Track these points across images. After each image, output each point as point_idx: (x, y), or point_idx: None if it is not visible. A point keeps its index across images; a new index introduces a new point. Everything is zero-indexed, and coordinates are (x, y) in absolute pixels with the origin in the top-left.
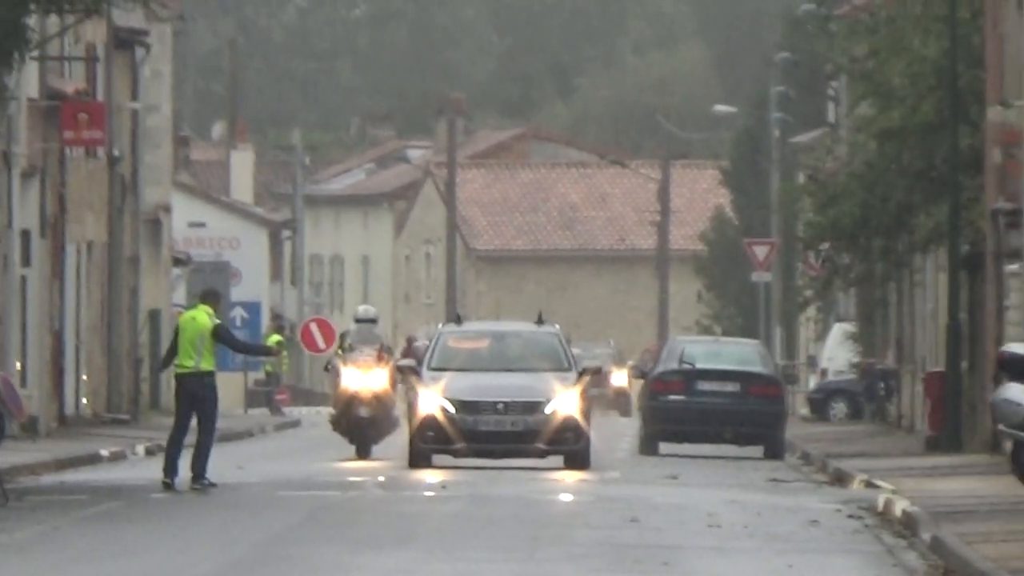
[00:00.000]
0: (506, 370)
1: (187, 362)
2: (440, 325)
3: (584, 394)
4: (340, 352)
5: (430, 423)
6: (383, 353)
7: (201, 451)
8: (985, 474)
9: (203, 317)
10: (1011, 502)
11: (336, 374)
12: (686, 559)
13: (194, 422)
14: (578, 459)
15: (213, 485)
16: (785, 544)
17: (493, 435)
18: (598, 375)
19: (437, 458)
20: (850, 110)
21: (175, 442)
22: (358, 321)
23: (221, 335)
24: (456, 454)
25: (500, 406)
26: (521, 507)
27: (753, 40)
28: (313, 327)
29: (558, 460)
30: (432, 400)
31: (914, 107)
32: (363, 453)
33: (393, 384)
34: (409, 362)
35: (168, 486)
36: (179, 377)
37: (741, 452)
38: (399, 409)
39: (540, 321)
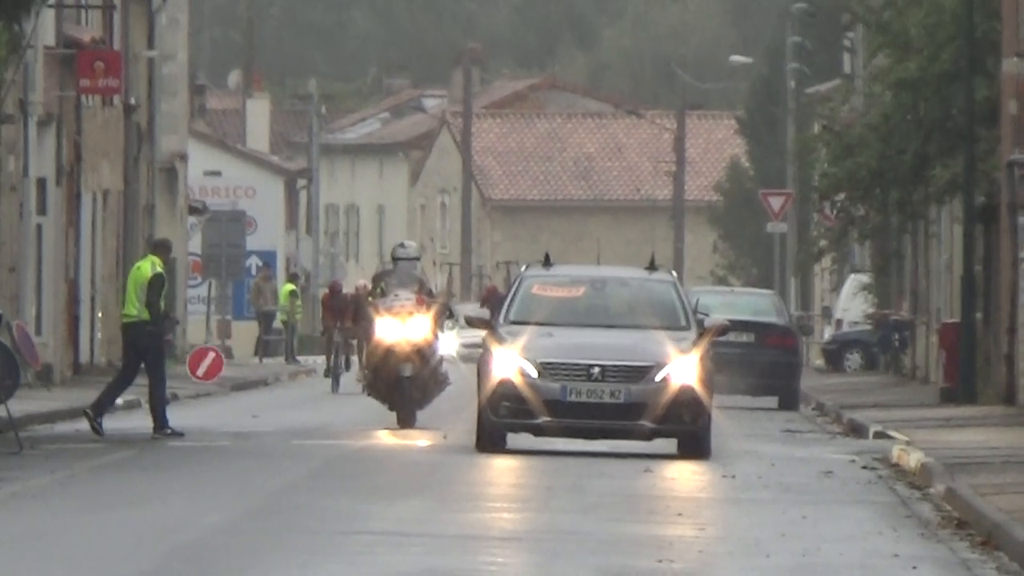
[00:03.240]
0: (606, 326)
1: (130, 310)
2: (523, 268)
3: (704, 358)
4: (372, 299)
5: (505, 391)
6: (423, 297)
7: (156, 400)
8: (999, 426)
9: (147, 267)
10: None
11: (368, 324)
12: (700, 510)
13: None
14: (695, 443)
15: (179, 434)
16: (799, 495)
17: (586, 408)
18: (724, 334)
19: (513, 438)
20: (867, 61)
21: (114, 388)
22: (396, 259)
23: (150, 285)
24: (538, 431)
25: (596, 371)
26: (535, 457)
27: None
28: (210, 357)
29: (670, 445)
30: (508, 361)
31: (931, 58)
32: (406, 420)
33: (436, 333)
34: (481, 312)
35: (93, 426)
36: (123, 327)
37: (755, 403)
38: (446, 364)
39: (652, 266)
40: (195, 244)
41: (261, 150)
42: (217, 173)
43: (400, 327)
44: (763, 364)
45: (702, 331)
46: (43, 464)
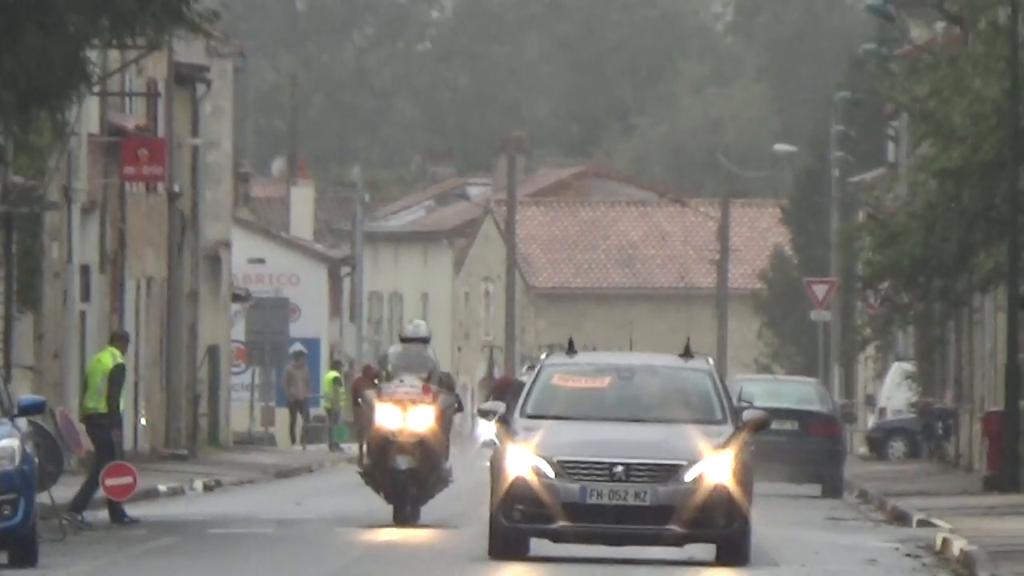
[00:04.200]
0: (633, 420)
1: (89, 403)
2: (543, 355)
3: (741, 455)
4: (376, 382)
5: (518, 492)
6: (430, 385)
7: (88, 486)
8: None
9: (107, 359)
10: None
11: (369, 409)
12: None
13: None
14: (732, 549)
15: (87, 524)
16: None
17: (608, 511)
18: (764, 428)
19: (534, 544)
20: (911, 149)
21: (91, 484)
22: (404, 340)
23: (110, 377)
24: (555, 537)
25: (619, 469)
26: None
27: (812, 79)
28: (127, 478)
29: (706, 551)
30: (522, 459)
31: (974, 147)
32: (403, 517)
33: (442, 424)
34: (494, 406)
35: (75, 523)
36: (88, 419)
37: (799, 490)
38: (451, 460)
39: (688, 352)
40: (239, 331)
41: (305, 237)
42: (261, 260)
43: (401, 415)
44: (807, 452)
45: (740, 425)
46: (86, 550)
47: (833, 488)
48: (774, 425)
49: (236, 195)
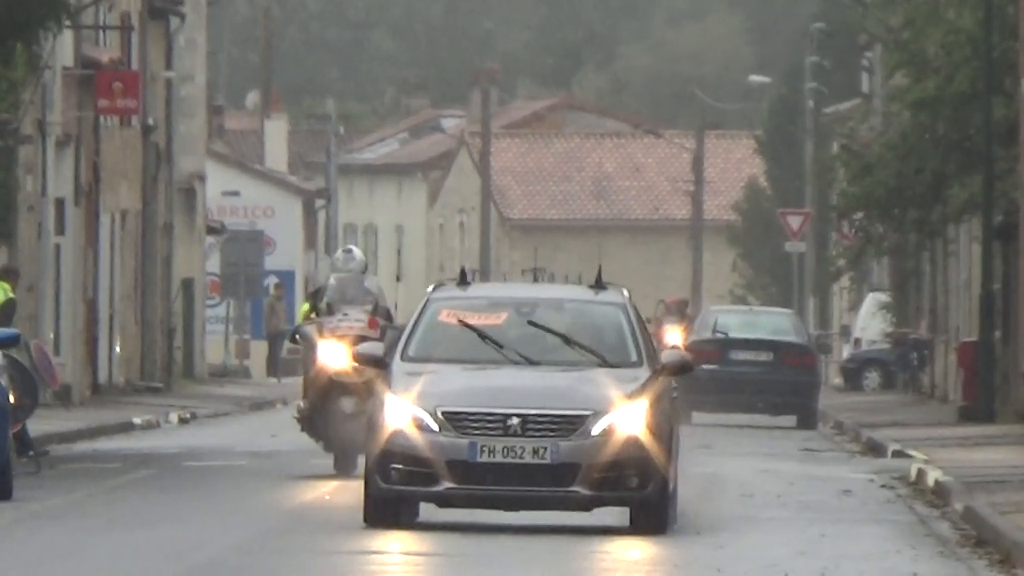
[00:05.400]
0: (533, 364)
1: None
2: (430, 288)
3: (659, 404)
4: (314, 316)
5: (396, 448)
6: (376, 318)
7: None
8: (1018, 444)
9: None
10: None
11: (309, 348)
12: (718, 528)
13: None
14: (648, 514)
15: (45, 453)
16: (817, 513)
17: (502, 471)
18: (686, 371)
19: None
20: (885, 80)
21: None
22: (337, 273)
23: (1, 311)
24: (441, 501)
25: (514, 422)
26: None
27: (787, 10)
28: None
29: (620, 515)
30: (400, 411)
31: (949, 78)
32: (345, 466)
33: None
34: (371, 348)
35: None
36: None
37: (774, 422)
38: None
39: (600, 284)
40: (213, 264)
41: (279, 170)
42: (235, 193)
43: (345, 353)
44: (782, 383)
45: (658, 368)
46: (61, 484)
47: (808, 419)
48: (749, 356)
49: (210, 128)
